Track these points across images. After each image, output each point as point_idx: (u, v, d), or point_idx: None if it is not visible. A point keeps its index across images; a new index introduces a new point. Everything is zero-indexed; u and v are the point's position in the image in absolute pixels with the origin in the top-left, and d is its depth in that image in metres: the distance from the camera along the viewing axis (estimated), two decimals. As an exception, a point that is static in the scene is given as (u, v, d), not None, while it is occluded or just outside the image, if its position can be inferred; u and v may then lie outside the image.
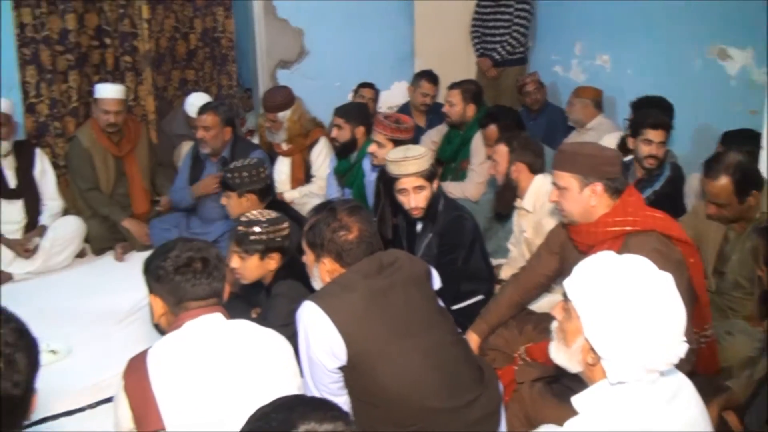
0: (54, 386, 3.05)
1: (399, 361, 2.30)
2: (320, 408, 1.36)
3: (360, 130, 4.64)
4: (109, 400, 3.21)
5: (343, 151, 4.71)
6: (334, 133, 4.70)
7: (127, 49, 5.55)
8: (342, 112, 4.72)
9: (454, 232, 3.46)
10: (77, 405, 3.30)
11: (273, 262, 3.07)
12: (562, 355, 1.83)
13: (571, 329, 1.78)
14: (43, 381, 1.50)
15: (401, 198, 3.46)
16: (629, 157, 4.10)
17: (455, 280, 3.35)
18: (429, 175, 3.41)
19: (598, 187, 2.72)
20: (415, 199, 3.41)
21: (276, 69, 6.28)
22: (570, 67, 6.14)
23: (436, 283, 2.57)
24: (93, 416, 3.26)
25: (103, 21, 5.46)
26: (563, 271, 3.01)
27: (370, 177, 4.47)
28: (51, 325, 3.71)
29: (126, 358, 2.13)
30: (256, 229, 3.01)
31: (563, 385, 2.52)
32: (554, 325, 1.88)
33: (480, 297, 3.49)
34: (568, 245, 2.96)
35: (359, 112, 4.77)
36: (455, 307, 3.34)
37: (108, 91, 4.95)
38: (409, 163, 3.36)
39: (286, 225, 3.09)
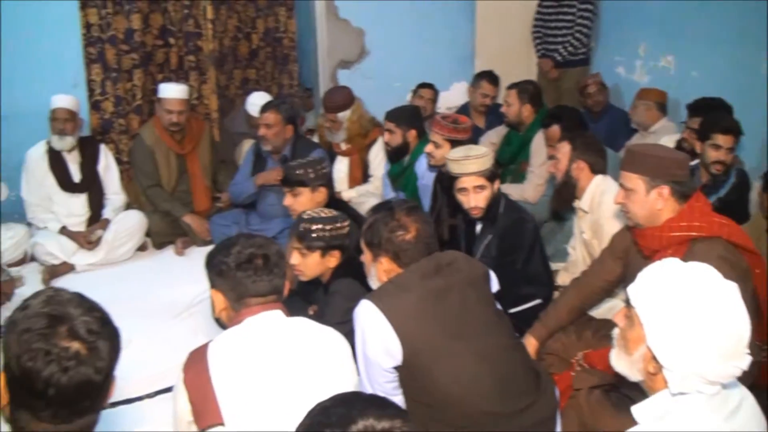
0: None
1: (454, 363, 2.29)
2: (379, 405, 1.36)
3: (411, 134, 4.61)
4: (167, 390, 3.27)
5: (395, 155, 4.69)
6: (386, 137, 4.68)
7: (191, 49, 5.64)
8: (392, 116, 4.68)
9: (515, 234, 3.43)
10: (136, 394, 3.38)
11: (333, 259, 3.08)
12: (623, 362, 1.80)
13: (633, 337, 1.74)
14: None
15: (461, 197, 3.44)
16: (695, 162, 4.00)
17: (514, 283, 3.32)
18: (490, 175, 3.39)
19: (665, 190, 2.67)
20: (475, 198, 3.39)
21: (336, 69, 6.31)
22: (633, 69, 6.03)
23: (494, 285, 2.56)
24: (152, 405, 3.34)
25: (167, 21, 5.56)
26: (626, 276, 2.96)
27: (423, 180, 4.46)
28: (111, 315, 3.79)
29: (184, 350, 2.16)
30: (319, 226, 3.03)
31: (622, 394, 2.48)
32: (616, 332, 1.84)
33: (538, 301, 3.44)
34: (632, 250, 2.91)
35: (410, 115, 4.73)
36: (513, 310, 3.30)
37: (171, 91, 5.04)
38: (471, 162, 3.35)
39: (347, 223, 3.12)
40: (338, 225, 3.07)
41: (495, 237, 3.45)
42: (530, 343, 3.06)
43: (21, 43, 5.13)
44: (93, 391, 1.44)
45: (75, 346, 1.41)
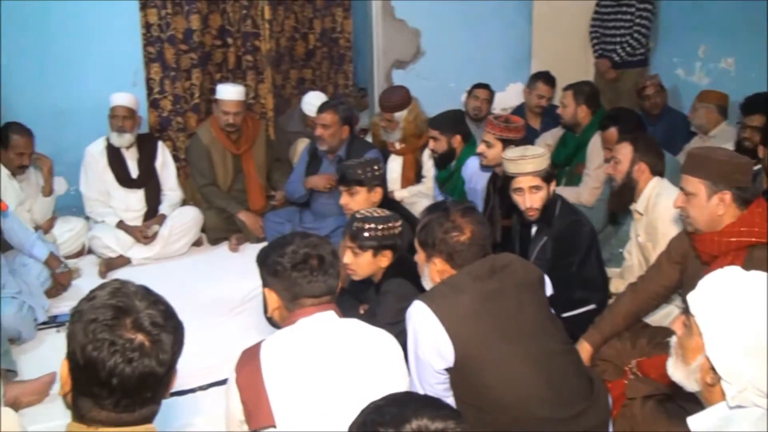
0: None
1: (506, 367, 2.27)
2: (433, 406, 1.35)
3: (456, 139, 4.59)
4: (220, 382, 3.33)
5: (442, 162, 4.68)
6: (431, 144, 4.67)
7: (249, 49, 5.70)
8: (435, 123, 4.67)
9: (570, 237, 3.37)
10: (189, 386, 3.43)
11: (385, 259, 3.08)
12: (680, 372, 1.76)
13: (692, 346, 1.70)
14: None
15: (516, 198, 3.41)
16: (757, 167, 3.89)
17: (568, 286, 3.26)
18: (546, 176, 3.35)
19: (727, 195, 2.62)
20: (530, 199, 3.35)
21: (391, 69, 6.30)
22: (693, 71, 5.91)
23: (548, 289, 2.53)
24: (205, 397, 3.40)
25: (225, 21, 5.63)
26: (683, 282, 2.90)
27: (470, 184, 4.44)
28: None
29: (237, 345, 2.17)
30: (371, 225, 3.03)
31: (677, 405, 2.43)
32: (673, 340, 1.80)
33: (592, 306, 3.38)
34: (690, 255, 2.86)
35: (453, 121, 4.70)
36: (566, 314, 3.22)
37: (228, 93, 5.09)
38: (527, 161, 3.31)
39: (399, 223, 3.11)
40: (390, 225, 3.06)
41: (550, 239, 3.39)
42: (584, 348, 3.01)
43: (82, 41, 5.26)
44: (155, 383, 1.46)
45: (139, 338, 1.43)
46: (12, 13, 5.09)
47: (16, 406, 3.07)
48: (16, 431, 2.54)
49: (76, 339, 1.43)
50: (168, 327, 1.49)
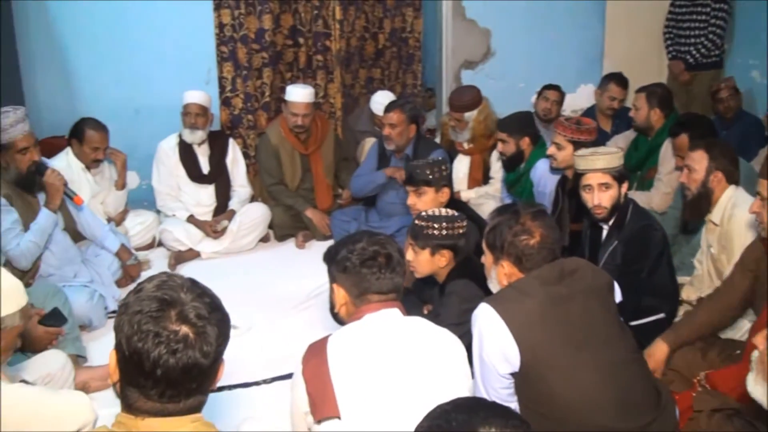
0: (232, 359, 3.32)
1: (573, 374, 2.22)
2: (502, 415, 1.31)
3: (525, 141, 4.54)
4: (283, 377, 3.37)
5: (511, 164, 4.64)
6: (500, 147, 4.64)
7: (320, 48, 5.75)
8: (504, 125, 4.63)
9: (641, 242, 3.28)
10: (253, 379, 3.48)
11: (443, 259, 3.07)
12: (759, 388, 1.70)
13: (773, 364, 1.65)
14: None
15: (585, 195, 3.35)
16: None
17: (637, 293, 3.19)
18: (618, 176, 3.28)
19: None
20: (599, 196, 3.28)
21: (460, 69, 6.28)
22: (769, 73, 5.74)
23: (618, 296, 2.47)
24: (268, 390, 3.43)
25: (297, 21, 5.69)
26: (756, 289, 2.82)
27: (539, 187, 4.39)
28: (233, 302, 3.91)
29: (302, 340, 2.20)
30: (432, 224, 3.03)
31: (745, 420, 2.35)
32: (755, 355, 1.74)
33: (661, 315, 3.30)
34: (764, 262, 2.79)
35: (521, 123, 4.65)
36: (634, 323, 3.15)
37: (298, 95, 5.13)
38: (598, 158, 3.25)
39: (463, 224, 3.09)
40: (453, 225, 3.05)
41: (620, 243, 3.31)
42: (660, 348, 2.93)
43: (158, 41, 5.42)
44: (200, 375, 1.48)
45: (184, 329, 1.45)
46: (91, 16, 5.27)
47: (85, 390, 3.14)
48: (87, 413, 2.61)
49: (123, 330, 1.46)
50: (213, 319, 1.50)
